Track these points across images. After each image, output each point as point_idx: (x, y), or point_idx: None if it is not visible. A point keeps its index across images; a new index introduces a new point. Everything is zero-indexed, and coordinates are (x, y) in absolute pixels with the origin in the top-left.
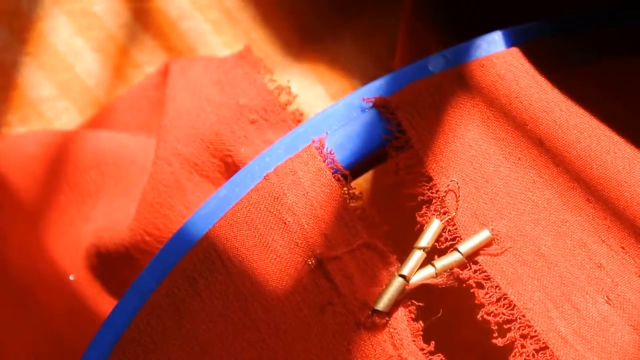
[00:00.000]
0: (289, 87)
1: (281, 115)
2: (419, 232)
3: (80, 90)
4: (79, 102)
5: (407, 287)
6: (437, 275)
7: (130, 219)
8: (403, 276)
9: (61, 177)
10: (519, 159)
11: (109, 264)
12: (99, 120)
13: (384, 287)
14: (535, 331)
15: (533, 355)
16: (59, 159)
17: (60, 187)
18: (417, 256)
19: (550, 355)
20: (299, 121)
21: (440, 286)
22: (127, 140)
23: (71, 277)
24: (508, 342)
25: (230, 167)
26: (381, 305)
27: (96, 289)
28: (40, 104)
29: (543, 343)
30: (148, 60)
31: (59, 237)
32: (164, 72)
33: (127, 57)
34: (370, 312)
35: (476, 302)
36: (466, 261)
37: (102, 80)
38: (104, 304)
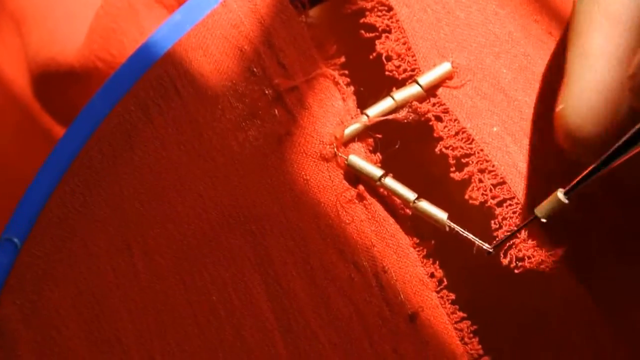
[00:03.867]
0: None
1: None
2: (375, 61)
3: None
4: None
5: (367, 122)
6: (396, 107)
7: (76, 42)
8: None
9: None
10: None
11: (55, 84)
12: None
13: (340, 117)
14: (493, 166)
15: (490, 189)
16: None
17: None
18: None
19: (507, 190)
20: None
21: (399, 121)
22: None
23: None
24: (466, 176)
25: None
26: (342, 138)
27: (41, 110)
28: None
29: (501, 178)
30: None
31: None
32: None
33: None
34: (329, 146)
35: (434, 135)
36: (425, 94)
37: None
38: (50, 124)
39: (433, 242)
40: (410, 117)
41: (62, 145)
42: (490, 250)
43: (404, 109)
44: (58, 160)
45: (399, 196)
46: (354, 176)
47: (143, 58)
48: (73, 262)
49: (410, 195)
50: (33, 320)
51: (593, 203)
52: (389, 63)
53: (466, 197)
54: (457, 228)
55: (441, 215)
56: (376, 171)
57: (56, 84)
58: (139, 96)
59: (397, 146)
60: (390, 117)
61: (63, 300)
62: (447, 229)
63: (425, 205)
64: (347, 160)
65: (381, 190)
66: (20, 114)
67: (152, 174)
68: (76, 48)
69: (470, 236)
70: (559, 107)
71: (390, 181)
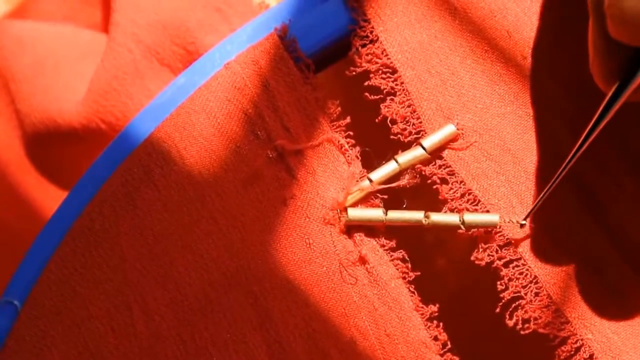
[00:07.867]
0: None
1: (248, 4)
2: (380, 121)
3: None
4: None
5: (370, 187)
6: (400, 171)
7: (73, 101)
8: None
9: None
10: (486, 51)
11: (53, 144)
12: (23, 10)
13: (344, 181)
14: (499, 226)
15: (497, 251)
16: None
17: None
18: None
19: (513, 251)
20: None
21: (404, 186)
22: (49, 31)
23: None
24: (472, 235)
25: (193, 56)
26: (345, 203)
27: (38, 177)
28: None
29: (507, 239)
30: None
31: None
32: None
33: None
34: (332, 211)
35: (440, 197)
36: (430, 157)
37: None
38: (48, 191)
39: (437, 305)
40: (413, 183)
41: (63, 208)
42: (523, 222)
43: (408, 172)
44: (59, 222)
45: (409, 221)
46: (357, 240)
47: (146, 121)
48: (72, 323)
49: (419, 215)
50: None
51: None
52: (395, 126)
53: (472, 258)
54: (473, 217)
55: (453, 218)
56: (377, 212)
57: (54, 144)
58: (142, 158)
59: (404, 206)
60: (393, 185)
61: None
62: (463, 229)
63: (436, 217)
64: (347, 216)
65: (386, 248)
66: (12, 172)
67: (153, 235)
68: (75, 108)
69: (493, 217)
70: None
71: (394, 213)
